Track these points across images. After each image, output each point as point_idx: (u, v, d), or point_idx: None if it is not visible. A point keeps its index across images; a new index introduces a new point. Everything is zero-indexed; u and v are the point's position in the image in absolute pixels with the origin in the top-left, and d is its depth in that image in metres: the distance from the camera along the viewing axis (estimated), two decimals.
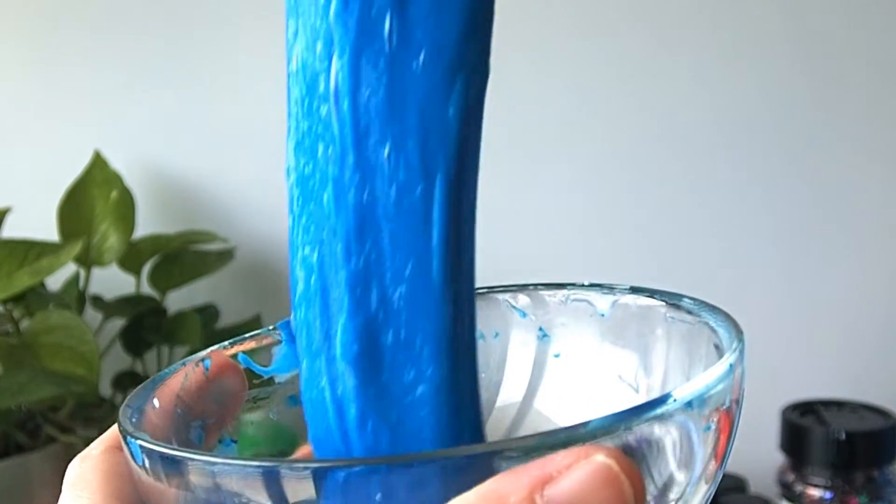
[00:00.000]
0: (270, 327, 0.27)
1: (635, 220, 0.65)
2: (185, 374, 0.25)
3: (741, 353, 0.21)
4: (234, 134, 0.64)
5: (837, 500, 0.50)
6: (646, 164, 0.65)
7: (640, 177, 0.65)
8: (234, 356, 0.26)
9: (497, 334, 0.28)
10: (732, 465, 0.61)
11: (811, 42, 0.63)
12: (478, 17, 0.20)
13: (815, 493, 0.51)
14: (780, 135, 0.65)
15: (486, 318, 0.28)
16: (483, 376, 0.23)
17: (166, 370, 0.25)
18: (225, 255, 0.62)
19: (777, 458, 0.54)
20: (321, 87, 0.20)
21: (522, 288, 0.28)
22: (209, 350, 0.26)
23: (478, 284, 0.22)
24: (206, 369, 0.25)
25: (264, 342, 0.27)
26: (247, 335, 0.27)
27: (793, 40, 0.64)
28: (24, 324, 0.53)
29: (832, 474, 0.51)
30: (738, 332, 0.22)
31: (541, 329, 0.28)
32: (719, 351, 0.22)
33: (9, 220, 0.60)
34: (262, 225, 0.65)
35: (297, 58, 0.20)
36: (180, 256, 0.61)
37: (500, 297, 0.28)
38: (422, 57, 0.20)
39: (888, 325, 0.66)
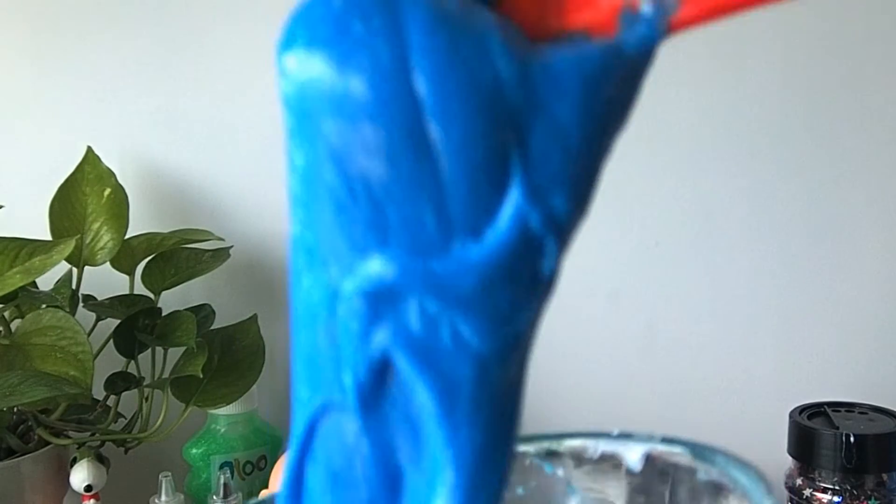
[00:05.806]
0: None
1: (641, 225, 0.64)
2: None
3: None
4: (229, 131, 0.64)
5: None
6: (652, 169, 0.64)
7: (647, 181, 0.64)
8: None
9: (522, 489, 0.27)
10: None
11: (811, 48, 0.63)
12: None
13: (824, 497, 0.50)
14: (788, 136, 0.64)
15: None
16: None
17: None
18: (220, 254, 0.61)
19: (785, 462, 0.53)
20: None
21: (550, 439, 0.27)
22: None
23: None
24: None
25: None
26: None
27: (793, 44, 0.63)
28: (16, 324, 0.52)
29: (842, 478, 0.50)
30: (767, 489, 0.22)
31: (569, 485, 0.27)
32: None
33: None
34: (257, 223, 0.64)
35: None
36: (174, 255, 0.60)
37: (526, 448, 0.27)
38: None
39: None
